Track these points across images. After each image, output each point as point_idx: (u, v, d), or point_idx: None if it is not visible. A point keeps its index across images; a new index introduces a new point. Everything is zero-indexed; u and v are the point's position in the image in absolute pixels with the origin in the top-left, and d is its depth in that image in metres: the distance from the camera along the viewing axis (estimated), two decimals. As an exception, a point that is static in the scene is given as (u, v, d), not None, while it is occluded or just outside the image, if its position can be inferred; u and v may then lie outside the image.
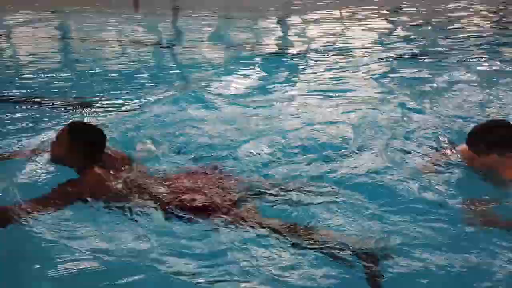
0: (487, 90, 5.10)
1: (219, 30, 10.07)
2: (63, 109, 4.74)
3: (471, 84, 5.43)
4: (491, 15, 11.30)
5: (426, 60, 6.89)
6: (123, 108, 4.69)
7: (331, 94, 5.14)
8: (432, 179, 2.88)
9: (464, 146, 2.88)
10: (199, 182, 2.82)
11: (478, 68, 6.21)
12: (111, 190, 2.72)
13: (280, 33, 10.07)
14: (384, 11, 11.81)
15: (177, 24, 11.22)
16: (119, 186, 2.75)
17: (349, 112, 4.41)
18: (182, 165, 3.21)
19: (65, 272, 2.29)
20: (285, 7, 12.81)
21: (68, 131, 2.85)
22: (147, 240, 2.48)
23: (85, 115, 4.51)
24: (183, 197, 2.66)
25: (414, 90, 5.21)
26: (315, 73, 6.26)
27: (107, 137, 2.97)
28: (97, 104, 4.86)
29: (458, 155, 2.95)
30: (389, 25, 10.44)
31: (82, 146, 2.79)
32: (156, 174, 2.98)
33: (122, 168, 2.92)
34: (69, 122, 3.30)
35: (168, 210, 2.62)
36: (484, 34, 8.91)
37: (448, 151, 3.09)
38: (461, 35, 8.80)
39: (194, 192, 2.72)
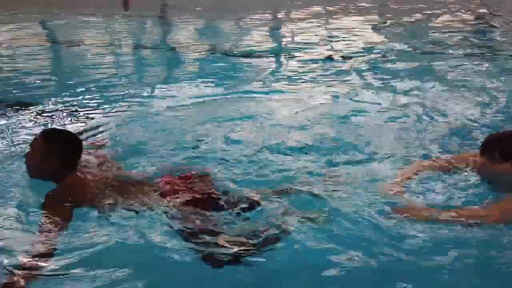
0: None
1: (201, 31, 9.99)
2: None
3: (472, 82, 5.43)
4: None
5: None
6: (105, 110, 4.65)
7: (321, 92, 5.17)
8: (439, 182, 2.91)
9: (475, 152, 2.92)
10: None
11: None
12: (96, 195, 2.67)
13: (269, 33, 9.93)
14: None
15: (161, 24, 11.13)
16: (104, 189, 2.70)
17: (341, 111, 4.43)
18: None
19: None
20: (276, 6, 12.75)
21: (42, 137, 2.79)
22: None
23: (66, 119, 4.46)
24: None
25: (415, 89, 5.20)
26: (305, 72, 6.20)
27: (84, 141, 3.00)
28: (78, 107, 4.80)
29: (469, 161, 2.99)
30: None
31: (60, 149, 2.73)
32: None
33: (104, 169, 2.90)
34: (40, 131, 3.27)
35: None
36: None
37: (459, 156, 3.15)
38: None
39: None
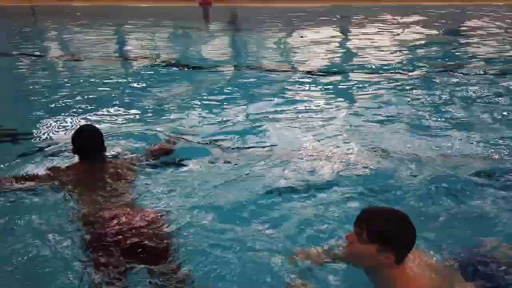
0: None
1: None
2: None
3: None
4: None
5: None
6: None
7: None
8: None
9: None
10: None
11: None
12: (74, 188, 3.13)
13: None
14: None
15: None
16: (82, 189, 3.12)
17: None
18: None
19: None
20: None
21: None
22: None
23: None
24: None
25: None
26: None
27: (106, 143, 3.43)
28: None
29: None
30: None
31: (78, 142, 3.34)
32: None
33: (105, 177, 3.23)
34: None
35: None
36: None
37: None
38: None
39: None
